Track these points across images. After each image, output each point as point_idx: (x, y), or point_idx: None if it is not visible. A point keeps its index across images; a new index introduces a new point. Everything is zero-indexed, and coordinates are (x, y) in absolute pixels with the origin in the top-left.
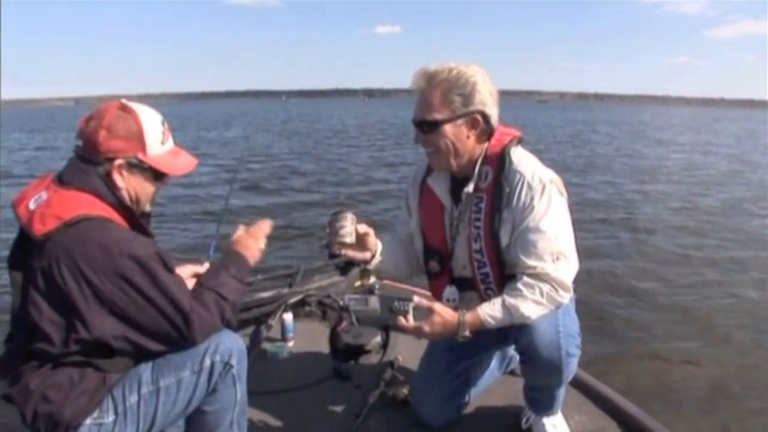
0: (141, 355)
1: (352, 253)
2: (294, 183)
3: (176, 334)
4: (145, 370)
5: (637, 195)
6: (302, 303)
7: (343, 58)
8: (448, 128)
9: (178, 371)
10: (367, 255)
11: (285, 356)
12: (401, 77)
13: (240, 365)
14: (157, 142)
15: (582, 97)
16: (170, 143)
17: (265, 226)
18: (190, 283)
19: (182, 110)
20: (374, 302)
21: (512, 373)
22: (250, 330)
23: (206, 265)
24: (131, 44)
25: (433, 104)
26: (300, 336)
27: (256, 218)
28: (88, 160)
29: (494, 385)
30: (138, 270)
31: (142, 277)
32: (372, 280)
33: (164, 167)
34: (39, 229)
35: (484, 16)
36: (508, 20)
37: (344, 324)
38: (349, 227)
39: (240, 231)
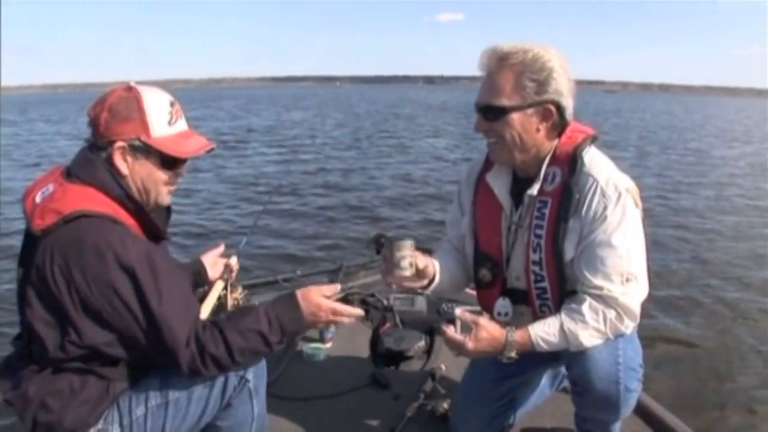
0: (148, 364)
1: (409, 284)
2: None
3: (165, 360)
4: (154, 381)
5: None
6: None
7: (404, 46)
8: (516, 117)
9: (188, 384)
10: (425, 282)
11: (321, 359)
12: (462, 64)
13: (257, 380)
14: (163, 123)
15: (646, 87)
16: (181, 125)
17: (347, 313)
18: (215, 272)
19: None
20: (421, 303)
21: (564, 390)
22: None
23: (233, 258)
24: (225, 26)
25: (502, 88)
26: (339, 337)
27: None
28: (97, 147)
29: (543, 403)
30: (130, 285)
31: (134, 295)
32: None
33: (169, 149)
34: (38, 223)
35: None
36: (569, 2)
37: (387, 325)
38: (410, 257)
39: (318, 293)
